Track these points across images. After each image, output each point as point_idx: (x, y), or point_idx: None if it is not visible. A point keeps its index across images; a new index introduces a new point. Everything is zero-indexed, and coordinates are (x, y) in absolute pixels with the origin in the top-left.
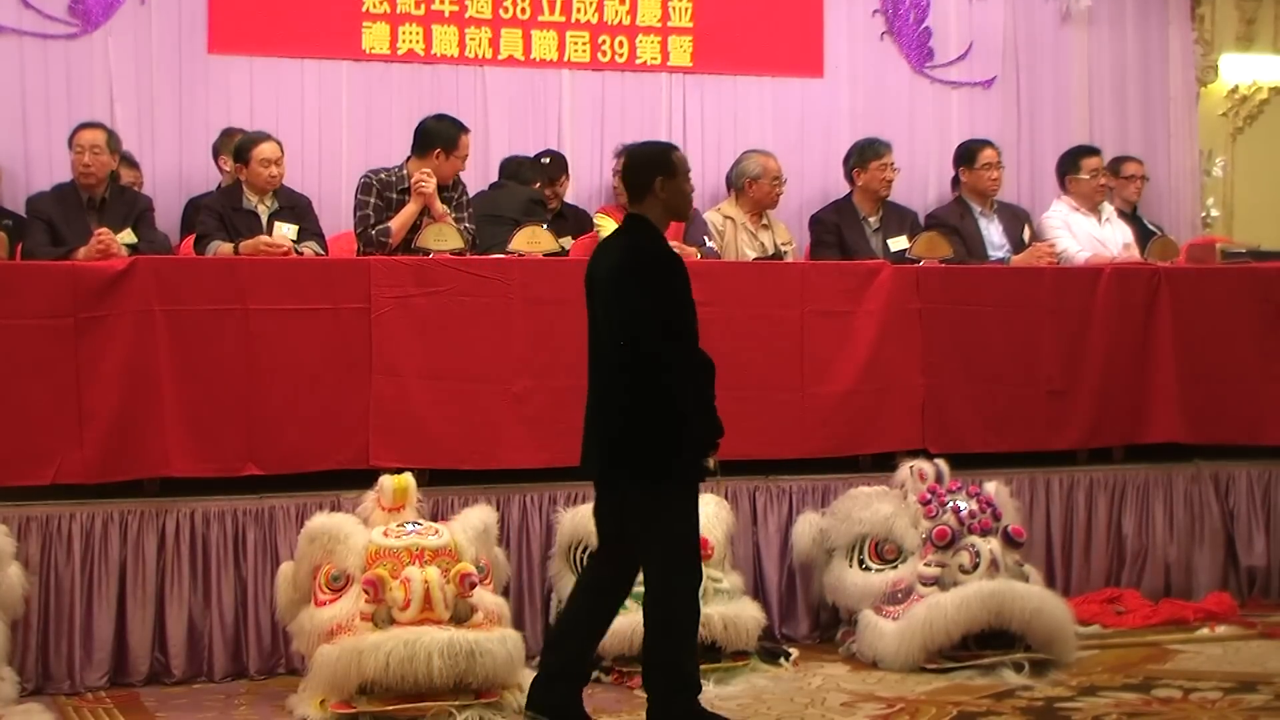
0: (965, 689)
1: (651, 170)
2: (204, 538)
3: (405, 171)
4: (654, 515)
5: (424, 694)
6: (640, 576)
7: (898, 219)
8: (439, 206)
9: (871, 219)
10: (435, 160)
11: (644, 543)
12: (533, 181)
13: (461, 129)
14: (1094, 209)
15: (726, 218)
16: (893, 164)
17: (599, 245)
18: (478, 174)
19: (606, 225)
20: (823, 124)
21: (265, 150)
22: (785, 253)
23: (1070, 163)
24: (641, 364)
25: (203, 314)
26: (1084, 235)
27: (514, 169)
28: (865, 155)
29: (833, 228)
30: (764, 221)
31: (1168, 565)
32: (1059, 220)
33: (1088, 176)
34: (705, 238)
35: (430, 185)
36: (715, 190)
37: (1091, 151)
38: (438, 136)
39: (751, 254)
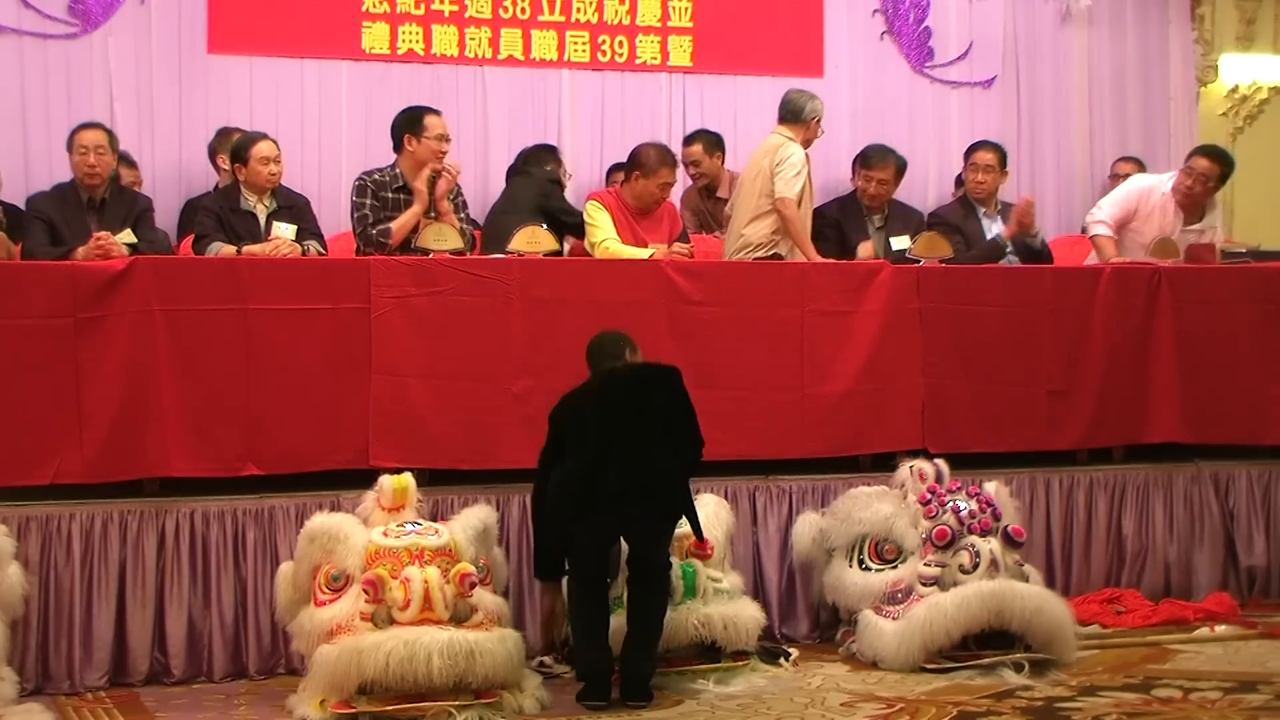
0: (965, 689)
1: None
2: (204, 538)
3: (398, 171)
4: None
5: (424, 694)
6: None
7: (903, 218)
8: (445, 205)
9: (875, 217)
10: (409, 149)
11: (663, 557)
12: (549, 163)
13: (426, 111)
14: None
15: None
16: (880, 179)
17: (628, 371)
18: (478, 173)
19: (598, 215)
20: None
21: (264, 149)
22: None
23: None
24: (699, 452)
25: (202, 314)
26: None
27: (530, 154)
28: (859, 162)
29: (833, 222)
30: None
31: (1168, 565)
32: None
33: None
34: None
35: (454, 174)
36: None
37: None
38: (401, 125)
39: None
